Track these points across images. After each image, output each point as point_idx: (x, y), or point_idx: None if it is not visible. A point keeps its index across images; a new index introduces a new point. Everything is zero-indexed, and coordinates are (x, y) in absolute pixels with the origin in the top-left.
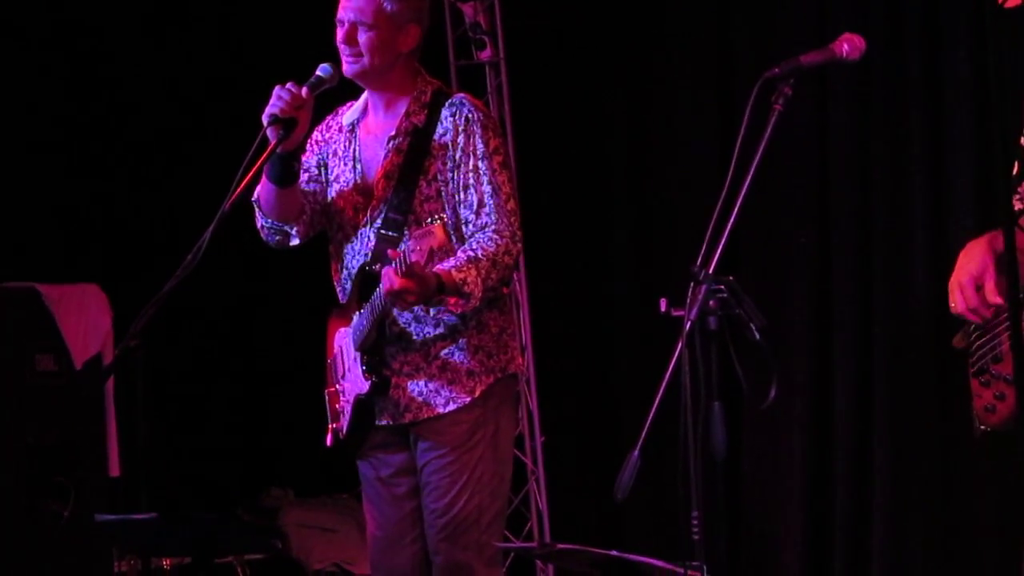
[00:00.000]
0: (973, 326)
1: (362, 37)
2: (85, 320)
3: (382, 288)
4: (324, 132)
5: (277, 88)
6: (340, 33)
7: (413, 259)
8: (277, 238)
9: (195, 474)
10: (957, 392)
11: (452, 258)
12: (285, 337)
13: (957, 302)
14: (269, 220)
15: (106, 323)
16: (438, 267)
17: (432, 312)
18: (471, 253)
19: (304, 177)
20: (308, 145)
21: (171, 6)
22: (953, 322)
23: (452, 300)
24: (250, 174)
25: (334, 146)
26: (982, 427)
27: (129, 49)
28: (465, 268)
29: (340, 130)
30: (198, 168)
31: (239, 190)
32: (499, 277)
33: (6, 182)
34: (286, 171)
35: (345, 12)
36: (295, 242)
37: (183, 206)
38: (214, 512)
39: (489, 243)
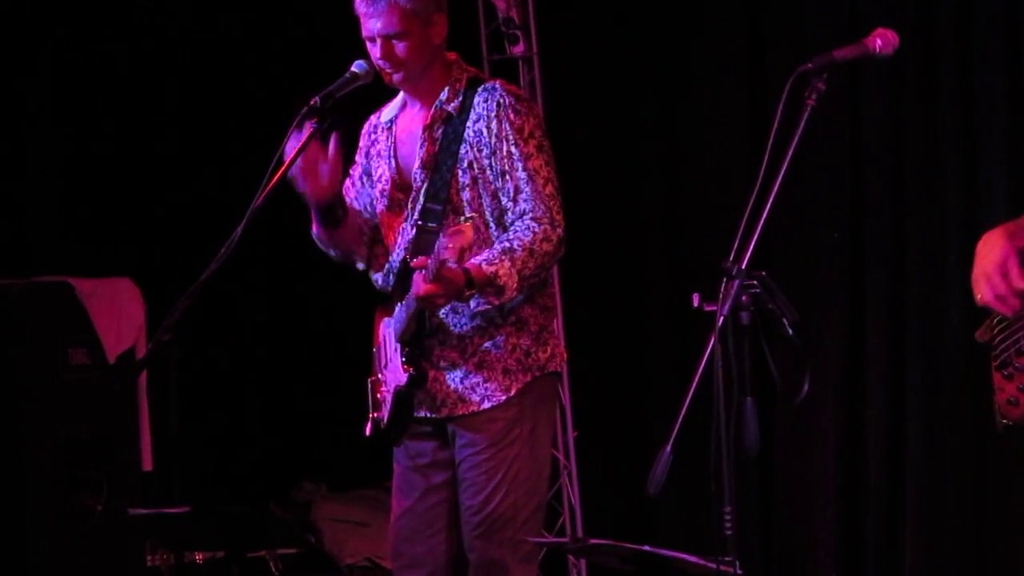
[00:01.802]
0: (996, 319)
1: (399, 48)
2: (118, 314)
3: (412, 292)
4: (369, 136)
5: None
6: (376, 51)
7: (444, 256)
8: (346, 262)
9: (228, 468)
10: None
11: (486, 251)
12: (319, 332)
13: (984, 292)
14: (333, 253)
15: (139, 317)
16: (469, 262)
17: (472, 304)
18: (506, 244)
19: (353, 194)
20: (356, 156)
21: (208, 12)
22: (985, 317)
23: (492, 296)
24: (283, 168)
25: (377, 146)
26: (1004, 421)
27: (163, 44)
28: (497, 261)
29: (381, 129)
30: (231, 161)
31: (271, 184)
32: (538, 265)
33: (39, 177)
34: (331, 217)
35: (373, 29)
36: (361, 267)
37: (216, 200)
38: (246, 506)
39: (526, 232)
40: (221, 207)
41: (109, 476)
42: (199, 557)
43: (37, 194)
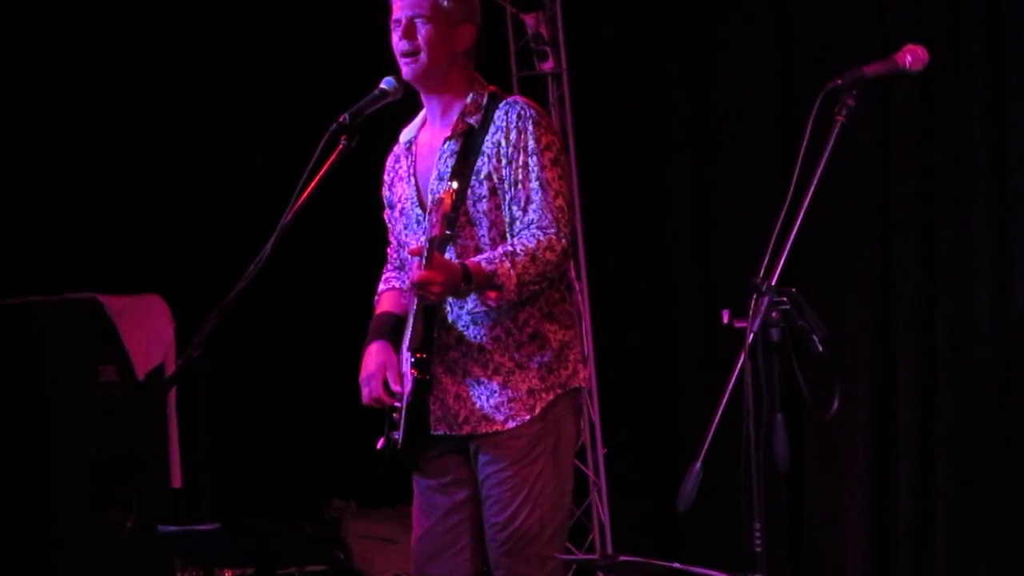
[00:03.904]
0: None
1: (420, 32)
2: (147, 330)
3: (409, 280)
4: (391, 171)
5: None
6: (398, 32)
7: (433, 233)
8: None
9: (257, 485)
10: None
11: (488, 252)
12: (347, 347)
13: None
14: None
15: (168, 333)
16: (468, 260)
17: (469, 304)
18: (508, 248)
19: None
20: (382, 192)
21: (233, 25)
22: (1018, 335)
23: (491, 294)
24: (311, 185)
25: (400, 171)
26: None
27: (191, 63)
28: (498, 261)
29: (402, 155)
30: (260, 178)
31: (301, 200)
32: (538, 272)
33: (68, 193)
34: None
35: (401, 10)
36: None
37: (245, 216)
38: (276, 523)
39: (530, 239)
40: (250, 223)
41: (138, 493)
42: (229, 574)
43: (66, 211)
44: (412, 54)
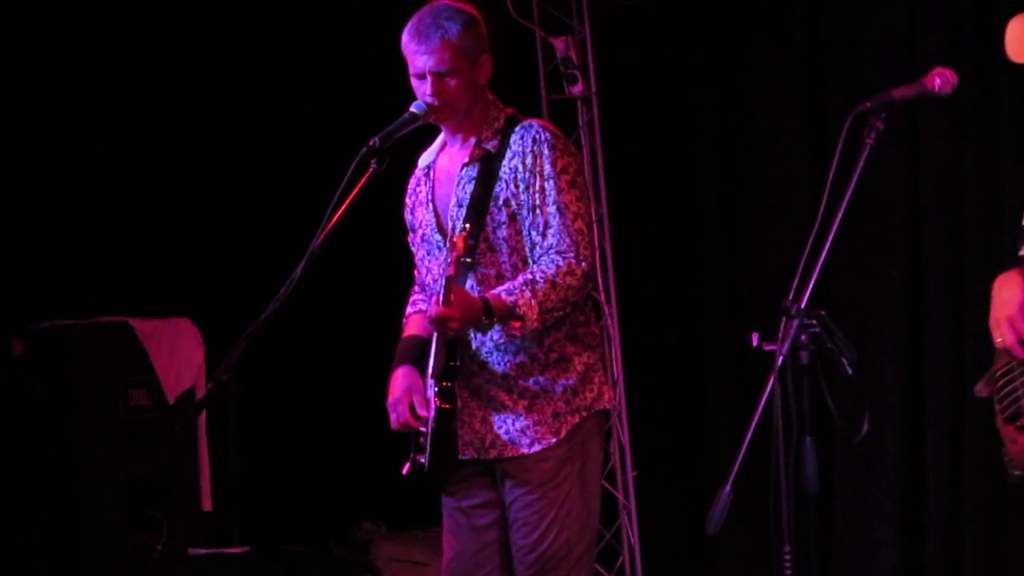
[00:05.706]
0: (1000, 371)
1: (449, 86)
2: (178, 354)
3: (427, 315)
4: (413, 195)
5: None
6: (426, 87)
7: (447, 272)
8: None
9: (287, 508)
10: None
11: (508, 281)
12: (378, 370)
13: (1006, 336)
14: None
15: (199, 357)
16: (489, 292)
17: (495, 336)
18: (528, 276)
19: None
20: (407, 224)
21: (265, 51)
22: None
23: (515, 324)
24: (341, 209)
25: (419, 196)
26: (1016, 473)
27: (221, 88)
28: (518, 291)
29: (421, 179)
30: (289, 201)
31: (331, 224)
32: (560, 298)
33: (99, 218)
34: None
35: (424, 65)
36: None
37: (275, 240)
38: (306, 546)
39: (550, 265)
40: (280, 247)
41: (169, 516)
42: None
43: (97, 235)
44: (443, 104)
